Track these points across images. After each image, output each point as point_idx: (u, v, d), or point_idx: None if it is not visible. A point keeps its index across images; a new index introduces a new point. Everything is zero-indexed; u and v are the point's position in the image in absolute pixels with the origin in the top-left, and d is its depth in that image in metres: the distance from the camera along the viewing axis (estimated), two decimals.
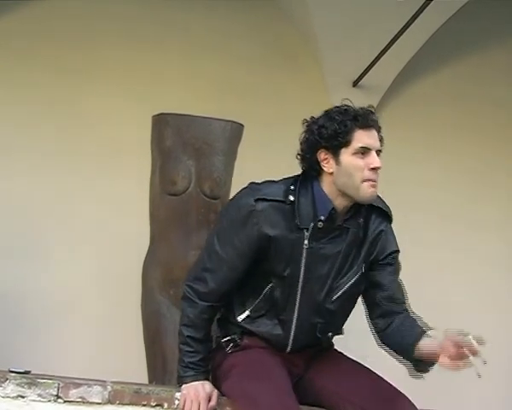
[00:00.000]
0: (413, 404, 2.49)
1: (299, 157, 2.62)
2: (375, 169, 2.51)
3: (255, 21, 5.61)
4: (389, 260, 2.68)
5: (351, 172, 2.49)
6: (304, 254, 2.51)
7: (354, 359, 2.75)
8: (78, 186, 5.12)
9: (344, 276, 2.57)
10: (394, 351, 2.66)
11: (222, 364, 2.65)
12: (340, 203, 2.54)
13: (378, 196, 2.65)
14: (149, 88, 5.24)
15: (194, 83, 5.38)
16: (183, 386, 2.59)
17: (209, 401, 2.57)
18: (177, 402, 2.61)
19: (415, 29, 4.90)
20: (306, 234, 2.50)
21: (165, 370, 3.56)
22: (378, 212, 2.66)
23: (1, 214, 4.93)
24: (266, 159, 5.09)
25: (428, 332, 2.55)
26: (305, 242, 2.50)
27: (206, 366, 2.62)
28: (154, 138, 3.82)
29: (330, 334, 2.65)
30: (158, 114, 3.80)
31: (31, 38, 5.21)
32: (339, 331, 2.71)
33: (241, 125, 3.87)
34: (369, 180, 2.50)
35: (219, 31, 5.53)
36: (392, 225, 2.75)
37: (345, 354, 2.77)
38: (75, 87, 5.21)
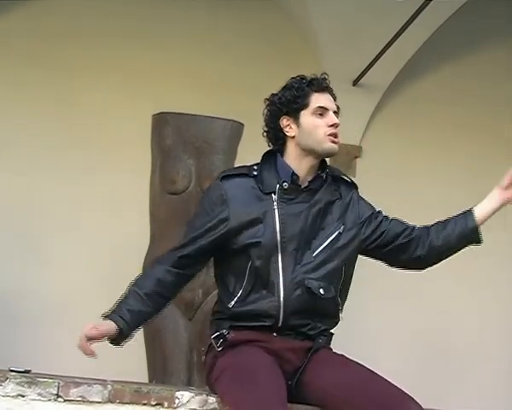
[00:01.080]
0: (419, 406, 2.46)
1: (264, 134, 2.78)
2: (333, 125, 2.65)
3: (256, 21, 5.61)
4: (376, 216, 2.79)
5: (312, 130, 2.65)
6: (276, 215, 2.62)
7: (352, 359, 2.73)
8: (78, 185, 5.12)
9: (321, 231, 2.67)
10: (452, 244, 2.91)
11: (214, 366, 2.64)
12: (304, 166, 2.68)
13: (339, 170, 2.83)
14: (150, 87, 5.24)
15: (194, 82, 5.38)
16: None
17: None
18: (177, 401, 2.60)
19: (415, 28, 4.90)
20: (274, 197, 2.64)
21: (165, 369, 3.56)
22: (344, 182, 2.80)
23: (1, 214, 4.93)
24: None
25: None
26: (275, 203, 2.63)
27: (131, 318, 2.63)
28: (155, 137, 3.82)
29: (322, 290, 2.63)
30: (158, 113, 3.80)
31: (31, 37, 5.21)
32: (330, 292, 2.67)
33: (242, 124, 3.87)
34: (331, 135, 2.65)
35: (220, 30, 5.53)
36: (395, 217, 2.83)
37: (344, 354, 2.74)
38: (75, 86, 5.21)
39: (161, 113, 3.78)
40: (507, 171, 2.78)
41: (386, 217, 2.81)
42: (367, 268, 3.00)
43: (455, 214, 2.88)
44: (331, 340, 2.75)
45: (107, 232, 5.08)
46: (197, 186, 3.67)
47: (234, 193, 2.65)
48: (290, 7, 5.60)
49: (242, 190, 2.66)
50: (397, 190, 5.59)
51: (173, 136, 3.71)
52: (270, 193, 2.65)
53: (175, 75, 5.37)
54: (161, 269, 2.66)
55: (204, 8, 5.50)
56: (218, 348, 2.63)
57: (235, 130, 3.81)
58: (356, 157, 5.63)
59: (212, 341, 2.66)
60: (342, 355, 2.70)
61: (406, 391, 2.53)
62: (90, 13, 5.34)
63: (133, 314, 2.64)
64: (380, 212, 2.82)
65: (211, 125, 3.73)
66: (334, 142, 2.66)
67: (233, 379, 2.50)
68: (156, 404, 2.64)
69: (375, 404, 2.43)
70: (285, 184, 2.65)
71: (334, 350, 2.74)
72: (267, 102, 2.80)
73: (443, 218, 2.65)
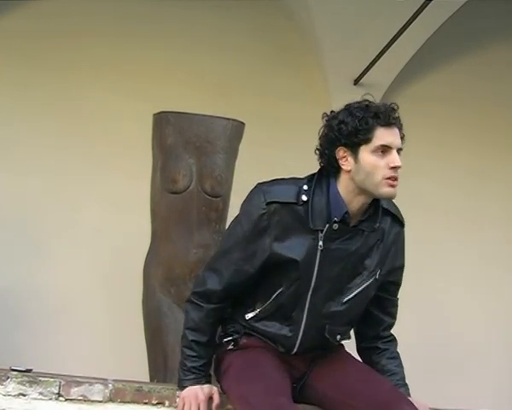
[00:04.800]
0: (413, 407, 2.45)
1: (317, 152, 2.51)
2: (395, 168, 2.44)
3: (257, 20, 5.61)
4: (397, 277, 2.67)
5: (370, 170, 2.41)
6: (318, 256, 2.44)
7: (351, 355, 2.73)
8: (78, 185, 5.12)
9: (356, 278, 2.52)
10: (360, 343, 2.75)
11: (221, 362, 2.64)
12: (356, 203, 2.46)
13: (392, 203, 2.62)
14: (151, 86, 5.24)
15: (195, 81, 5.38)
16: (184, 390, 2.56)
17: (211, 400, 2.56)
18: (178, 400, 2.60)
19: (416, 28, 4.90)
20: (321, 235, 2.43)
21: (166, 368, 3.56)
22: (392, 218, 2.61)
23: (1, 214, 4.93)
24: (267, 157, 5.09)
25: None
26: (320, 243, 2.43)
27: (208, 371, 2.60)
28: (156, 137, 3.81)
29: (339, 337, 2.59)
30: (159, 113, 3.79)
31: (32, 37, 5.21)
32: (347, 335, 2.66)
33: (243, 124, 3.87)
34: (390, 178, 2.42)
35: (221, 30, 5.53)
36: None
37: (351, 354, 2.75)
38: (76, 86, 5.21)
39: (162, 112, 3.77)
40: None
41: (393, 299, 2.69)
42: None
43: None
44: None
45: (108, 232, 5.07)
46: (198, 185, 3.66)
47: (278, 223, 2.42)
48: (291, 6, 5.59)
49: (288, 222, 2.42)
50: (397, 189, 5.58)
51: (174, 135, 3.71)
52: (317, 230, 2.43)
53: (176, 75, 5.37)
54: (209, 310, 2.54)
55: (205, 8, 5.49)
56: (228, 348, 2.63)
57: (236, 129, 3.81)
58: None
59: (224, 343, 2.65)
60: (342, 352, 2.70)
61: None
62: (90, 13, 5.33)
63: (209, 364, 2.61)
64: (403, 266, 2.68)
65: (212, 124, 3.73)
66: (392, 185, 2.42)
67: (239, 373, 2.51)
68: (157, 403, 2.64)
69: (370, 405, 2.43)
70: (335, 226, 2.42)
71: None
72: (325, 121, 2.50)
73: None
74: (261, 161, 4.88)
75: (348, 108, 2.45)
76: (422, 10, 4.67)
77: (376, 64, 5.30)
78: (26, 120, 5.11)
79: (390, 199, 2.49)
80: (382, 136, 2.42)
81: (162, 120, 3.76)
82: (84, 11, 5.33)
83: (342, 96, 5.27)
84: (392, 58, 5.28)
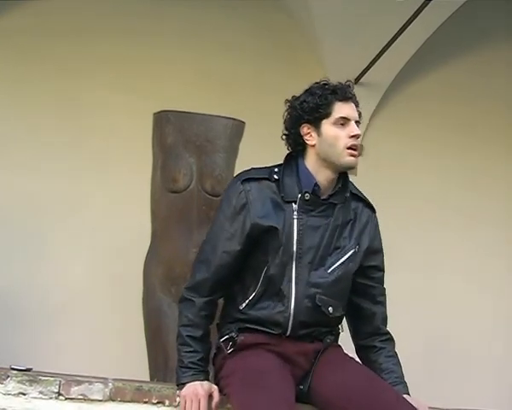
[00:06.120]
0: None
1: (284, 137, 2.73)
2: (354, 136, 2.61)
3: (257, 19, 5.61)
4: (378, 262, 2.76)
5: (332, 141, 2.61)
6: (295, 225, 2.59)
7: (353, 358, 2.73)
8: (78, 184, 5.12)
9: (337, 250, 2.64)
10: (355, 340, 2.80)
11: (222, 368, 2.64)
12: (323, 176, 2.64)
13: (360, 192, 2.78)
14: (151, 85, 5.24)
15: (195, 80, 5.38)
16: (183, 388, 2.56)
17: (211, 398, 2.56)
18: (178, 400, 2.60)
19: (416, 27, 4.90)
20: (295, 206, 2.60)
21: (166, 367, 3.56)
22: (363, 203, 2.76)
23: (0, 214, 4.93)
24: (268, 156, 5.08)
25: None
26: (295, 213, 2.60)
27: (206, 366, 2.61)
28: (156, 136, 3.81)
29: (331, 309, 2.63)
30: (159, 112, 3.79)
31: (31, 35, 5.21)
32: (338, 310, 2.68)
33: (243, 123, 3.87)
34: (351, 148, 2.61)
35: (222, 29, 5.53)
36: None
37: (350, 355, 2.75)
38: (76, 84, 5.21)
39: (162, 111, 3.77)
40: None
41: (380, 287, 2.78)
42: None
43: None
44: (338, 338, 2.76)
45: (108, 231, 5.08)
46: (198, 184, 3.66)
47: (254, 197, 2.61)
48: (292, 5, 5.60)
49: (263, 195, 2.62)
50: (398, 189, 5.59)
51: (174, 134, 3.71)
52: (291, 202, 2.62)
53: (176, 73, 5.37)
54: (201, 303, 2.61)
55: (205, 7, 5.50)
56: (228, 350, 2.63)
57: (237, 128, 3.81)
58: None
59: (222, 344, 2.65)
60: (345, 355, 2.70)
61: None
62: (91, 11, 5.34)
63: (206, 359, 2.63)
64: (382, 271, 2.78)
65: (212, 123, 3.73)
66: (353, 155, 2.62)
67: (242, 382, 2.50)
68: (157, 402, 2.64)
69: (370, 409, 2.44)
70: (307, 195, 2.61)
71: (341, 348, 2.75)
72: (288, 105, 2.73)
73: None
74: (262, 160, 4.85)
75: (308, 89, 2.71)
76: (422, 9, 4.67)
77: (377, 63, 5.30)
78: (25, 119, 5.11)
79: (351, 168, 2.66)
80: (341, 109, 2.64)
81: (162, 119, 3.75)
82: (85, 9, 5.33)
83: None
84: (392, 57, 5.29)
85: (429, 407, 2.65)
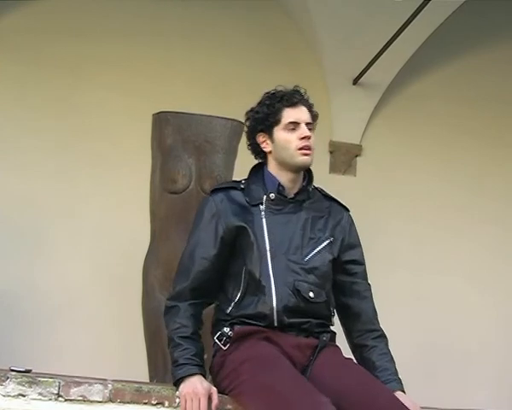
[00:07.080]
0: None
1: (249, 148, 2.88)
2: (305, 138, 2.72)
3: (256, 20, 5.61)
4: (357, 256, 2.84)
5: (284, 145, 2.74)
6: (264, 223, 2.71)
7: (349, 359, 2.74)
8: (78, 185, 5.12)
9: (311, 240, 2.73)
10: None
11: (223, 365, 2.64)
12: (285, 177, 2.77)
13: (332, 196, 2.90)
14: (150, 86, 5.24)
15: (194, 81, 5.38)
16: (181, 386, 2.57)
17: (210, 400, 2.55)
18: (178, 400, 2.60)
19: (415, 27, 4.90)
20: (262, 207, 2.74)
21: (165, 368, 3.55)
22: (336, 203, 2.89)
23: (0, 214, 4.93)
24: None
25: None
26: (262, 213, 2.73)
27: (200, 362, 2.63)
28: (155, 137, 3.81)
29: (312, 294, 2.67)
30: (158, 113, 3.79)
31: (32, 36, 5.22)
32: (320, 297, 2.71)
33: (242, 123, 3.84)
34: (302, 148, 2.72)
35: (220, 30, 5.53)
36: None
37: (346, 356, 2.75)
38: (76, 84, 5.22)
39: (161, 112, 3.77)
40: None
41: (364, 283, 2.83)
42: (373, 268, 3.00)
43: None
44: (335, 338, 2.76)
45: (108, 232, 5.08)
46: (197, 185, 3.66)
47: (224, 205, 2.74)
48: (291, 6, 5.60)
49: (231, 202, 2.75)
50: (397, 189, 5.59)
51: (173, 135, 3.71)
52: (258, 204, 2.75)
53: (176, 74, 5.37)
54: (185, 306, 2.69)
55: (205, 7, 5.50)
56: (225, 346, 2.65)
57: (236, 129, 3.81)
58: (356, 156, 5.63)
59: (217, 341, 2.68)
60: (344, 357, 2.70)
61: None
62: (91, 11, 5.35)
63: (200, 355, 2.66)
64: (363, 264, 2.84)
65: (211, 124, 3.73)
66: (305, 154, 2.73)
67: (255, 367, 2.53)
68: (157, 403, 2.64)
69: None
70: (272, 195, 2.75)
71: (339, 348, 2.75)
72: (246, 117, 2.87)
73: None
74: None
75: (260, 100, 2.83)
76: (421, 10, 4.68)
77: (376, 63, 5.31)
78: (25, 119, 5.12)
79: (305, 167, 2.77)
80: (289, 114, 2.75)
81: (161, 120, 3.76)
82: (85, 9, 5.34)
83: (341, 96, 5.31)
84: (391, 57, 5.29)
85: (426, 408, 2.65)
